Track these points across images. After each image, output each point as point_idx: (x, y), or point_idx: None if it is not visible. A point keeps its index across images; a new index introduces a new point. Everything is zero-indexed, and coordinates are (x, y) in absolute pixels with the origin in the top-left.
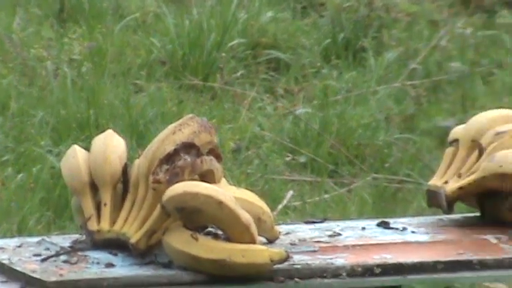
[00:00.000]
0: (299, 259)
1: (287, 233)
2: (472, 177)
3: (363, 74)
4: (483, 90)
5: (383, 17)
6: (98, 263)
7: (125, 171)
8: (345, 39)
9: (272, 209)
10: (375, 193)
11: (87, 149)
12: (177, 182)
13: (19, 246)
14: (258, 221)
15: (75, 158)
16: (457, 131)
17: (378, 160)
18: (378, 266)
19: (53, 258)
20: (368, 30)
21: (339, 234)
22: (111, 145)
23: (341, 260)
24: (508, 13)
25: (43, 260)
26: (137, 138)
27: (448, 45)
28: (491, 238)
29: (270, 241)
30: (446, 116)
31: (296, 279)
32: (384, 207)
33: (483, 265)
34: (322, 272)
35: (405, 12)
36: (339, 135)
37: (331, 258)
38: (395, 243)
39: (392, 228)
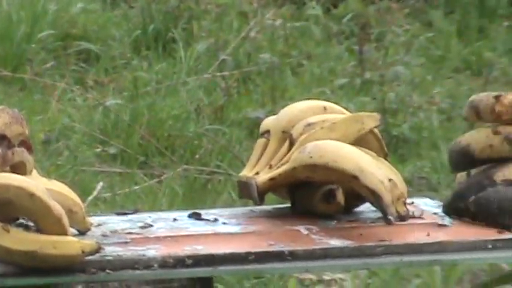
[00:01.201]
0: (111, 250)
1: (99, 225)
2: (283, 168)
3: (173, 65)
4: (292, 81)
5: (193, 8)
6: None
7: None
8: (155, 31)
9: (83, 201)
10: (186, 184)
11: None
12: None
13: None
14: (70, 212)
15: None
16: (268, 122)
17: (189, 151)
18: (189, 257)
19: None
20: (178, 22)
21: (151, 226)
22: None
23: (152, 251)
24: (316, 4)
25: None
26: None
27: (257, 37)
28: (302, 229)
29: (82, 233)
30: (256, 107)
31: (108, 271)
32: (195, 198)
33: (294, 256)
34: (134, 264)
35: (215, 3)
36: (149, 126)
37: (142, 250)
38: (207, 235)
39: (203, 219)
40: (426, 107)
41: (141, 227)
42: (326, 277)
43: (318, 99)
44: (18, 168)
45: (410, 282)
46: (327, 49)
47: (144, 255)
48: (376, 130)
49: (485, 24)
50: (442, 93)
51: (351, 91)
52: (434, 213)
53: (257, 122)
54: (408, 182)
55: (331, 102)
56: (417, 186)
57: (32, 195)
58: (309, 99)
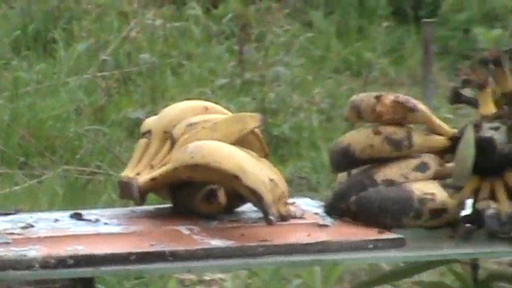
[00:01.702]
0: None
1: None
2: (164, 168)
3: (53, 66)
4: (173, 82)
5: (73, 9)
6: None
7: None
8: (35, 31)
9: None
10: (66, 185)
11: None
12: None
13: None
14: None
15: None
16: (150, 122)
17: (69, 151)
18: (71, 257)
19: None
20: (58, 22)
21: (32, 226)
22: None
23: (34, 251)
24: (196, 5)
25: None
26: None
27: (138, 37)
28: (184, 229)
29: None
30: (136, 108)
31: None
32: (75, 198)
33: (175, 256)
34: (15, 264)
35: (95, 3)
36: (29, 126)
37: (24, 250)
38: (88, 235)
39: (85, 219)
40: (306, 107)
41: (22, 228)
42: (207, 277)
43: (199, 99)
44: None
45: (291, 282)
46: (207, 49)
47: (25, 255)
48: (257, 130)
49: (364, 24)
50: (322, 93)
51: (231, 91)
52: (316, 213)
53: (137, 122)
54: (289, 182)
55: (212, 102)
56: (297, 186)
57: None
58: (189, 99)
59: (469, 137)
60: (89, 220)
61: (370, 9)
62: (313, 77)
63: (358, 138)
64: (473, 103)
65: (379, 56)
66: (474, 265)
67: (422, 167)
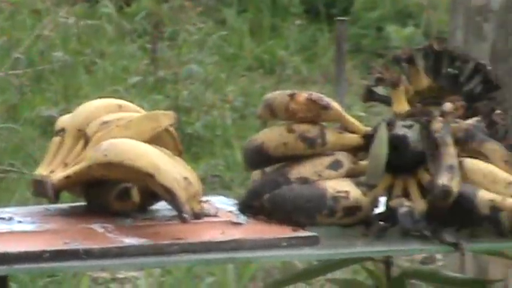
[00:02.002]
0: None
1: None
2: (78, 166)
3: None
4: (86, 80)
5: None
6: None
7: None
8: None
9: None
10: None
11: None
12: None
13: None
14: None
15: None
16: (64, 120)
17: None
18: None
19: None
20: None
21: None
22: None
23: None
24: (109, 3)
25: None
26: None
27: (51, 35)
28: (98, 227)
29: None
30: (49, 106)
31: None
32: None
33: (89, 254)
34: None
35: (7, 1)
36: None
37: None
38: (2, 233)
39: None
40: (219, 105)
41: None
42: (120, 275)
43: (112, 97)
44: None
45: (204, 280)
46: (120, 47)
47: None
48: (171, 128)
49: (277, 22)
50: (235, 92)
51: (145, 89)
52: (229, 211)
53: (51, 120)
54: (202, 180)
55: (125, 100)
56: (211, 184)
57: None
58: (102, 97)
59: (382, 135)
60: (3, 218)
61: (283, 8)
62: (226, 75)
63: (272, 136)
64: (387, 101)
65: (292, 54)
66: (387, 263)
67: (336, 165)
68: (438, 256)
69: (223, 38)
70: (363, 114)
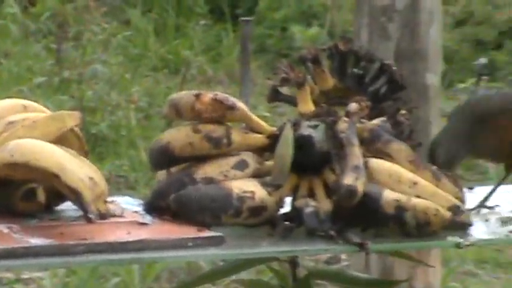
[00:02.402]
0: None
1: None
2: None
3: None
4: None
5: None
6: None
7: None
8: None
9: None
10: None
11: None
12: None
13: None
14: None
15: None
16: None
17: None
18: None
19: None
20: None
21: None
22: None
23: None
24: (14, 3)
25: None
26: None
27: None
28: (3, 228)
29: None
30: None
31: None
32: None
33: None
34: None
35: None
36: None
37: None
38: None
39: None
40: (124, 106)
41: None
42: (24, 276)
43: (17, 97)
44: None
45: (109, 280)
46: (24, 48)
47: None
48: (76, 128)
49: (182, 23)
50: (140, 92)
51: (49, 89)
52: (135, 212)
53: None
54: (107, 180)
55: (30, 100)
56: (116, 184)
57: None
58: (7, 97)
59: (288, 135)
60: None
61: (188, 8)
62: (131, 75)
63: (178, 136)
64: (292, 101)
65: (197, 54)
66: (293, 263)
67: (242, 165)
68: (343, 256)
69: (128, 38)
70: (267, 114)
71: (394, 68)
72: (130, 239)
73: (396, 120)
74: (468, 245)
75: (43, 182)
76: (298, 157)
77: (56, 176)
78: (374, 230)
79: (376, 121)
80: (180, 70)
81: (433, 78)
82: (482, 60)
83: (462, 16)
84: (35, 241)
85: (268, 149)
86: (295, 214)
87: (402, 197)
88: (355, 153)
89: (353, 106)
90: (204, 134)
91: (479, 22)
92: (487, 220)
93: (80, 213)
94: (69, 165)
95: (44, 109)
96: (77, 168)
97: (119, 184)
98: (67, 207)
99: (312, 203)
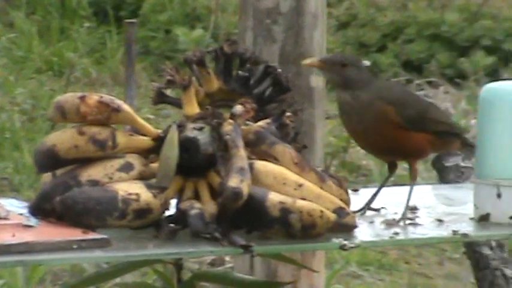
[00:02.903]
0: None
1: None
2: None
3: None
4: None
5: None
6: None
7: None
8: None
9: None
10: None
11: None
12: None
13: None
14: None
15: None
16: None
17: None
18: None
19: None
20: None
21: None
22: None
23: None
24: None
25: None
26: None
27: None
28: None
29: None
30: None
31: None
32: None
33: None
34: None
35: None
36: None
37: None
38: None
39: None
40: (8, 108)
41: None
42: None
43: None
44: None
45: None
46: None
47: None
48: None
49: (66, 25)
50: (24, 94)
51: None
52: (20, 214)
53: None
54: None
55: None
56: None
57: None
58: None
59: (173, 137)
60: None
61: (72, 10)
62: (15, 77)
63: (63, 138)
64: (177, 104)
65: (81, 56)
66: (178, 265)
67: (127, 167)
68: (227, 258)
69: (12, 41)
70: (152, 116)
71: (279, 70)
72: (15, 242)
73: (281, 122)
74: (353, 247)
75: None
76: (183, 159)
77: None
78: (259, 232)
79: (261, 123)
80: (64, 72)
81: (317, 81)
82: (366, 62)
83: (345, 19)
84: None
85: (153, 151)
86: (180, 216)
87: (287, 199)
88: (240, 156)
89: (238, 108)
90: (89, 136)
91: (362, 25)
92: (371, 222)
93: None
94: None
95: None
96: None
97: (2, 186)
98: None
99: (197, 205)
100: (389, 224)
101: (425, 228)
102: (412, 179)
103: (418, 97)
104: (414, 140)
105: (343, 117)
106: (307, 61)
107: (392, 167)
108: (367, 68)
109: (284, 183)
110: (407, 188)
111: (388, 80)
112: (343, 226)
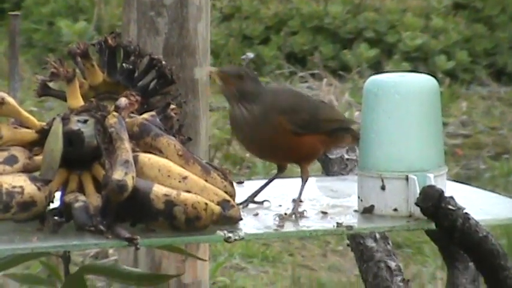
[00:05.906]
0: None
1: None
2: None
3: None
4: None
5: None
6: None
7: None
8: None
9: None
10: None
11: None
12: None
13: None
14: None
15: None
16: None
17: None
18: None
19: None
20: None
21: None
22: None
23: None
24: None
25: None
26: None
27: None
28: None
29: None
30: None
31: None
32: None
33: None
34: None
35: None
36: None
37: None
38: None
39: None
40: None
41: None
42: None
43: None
44: None
45: None
46: None
47: None
48: None
49: None
50: None
51: None
52: None
53: None
54: None
55: None
56: None
57: None
58: None
59: (57, 130)
60: None
61: None
62: None
63: None
64: (61, 96)
65: None
66: (65, 258)
67: (11, 160)
68: (111, 251)
69: None
70: (35, 109)
71: (163, 62)
72: None
73: (166, 114)
74: (237, 239)
75: None
76: (67, 152)
77: None
78: (144, 225)
79: (145, 116)
80: None
81: (201, 73)
82: (250, 54)
83: (229, 11)
84: None
85: (37, 144)
86: (65, 209)
87: (172, 192)
88: (125, 148)
89: (122, 101)
90: None
91: (246, 17)
92: (256, 215)
93: None
94: None
95: None
96: None
97: None
98: None
99: (82, 198)
100: (282, 218)
101: (310, 221)
102: (303, 180)
103: (309, 99)
104: (308, 144)
105: (236, 130)
106: (208, 70)
107: (281, 167)
108: (259, 80)
109: (169, 175)
110: (294, 182)
111: (279, 85)
112: (228, 218)
